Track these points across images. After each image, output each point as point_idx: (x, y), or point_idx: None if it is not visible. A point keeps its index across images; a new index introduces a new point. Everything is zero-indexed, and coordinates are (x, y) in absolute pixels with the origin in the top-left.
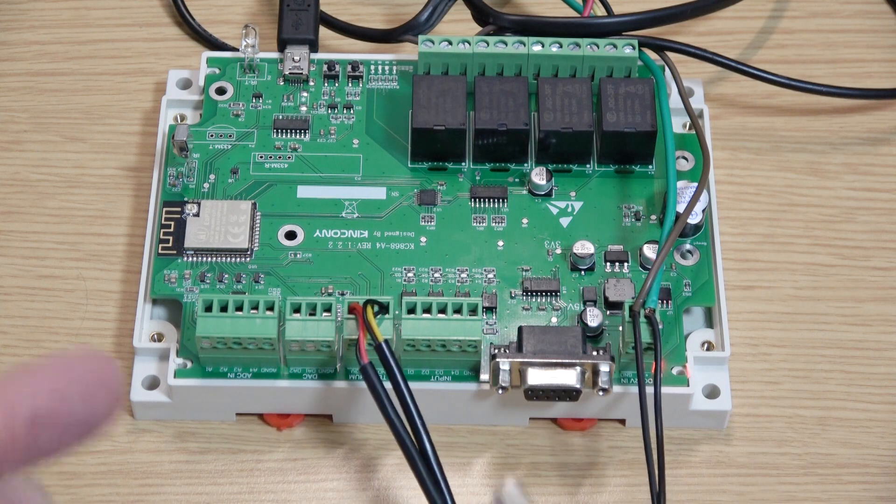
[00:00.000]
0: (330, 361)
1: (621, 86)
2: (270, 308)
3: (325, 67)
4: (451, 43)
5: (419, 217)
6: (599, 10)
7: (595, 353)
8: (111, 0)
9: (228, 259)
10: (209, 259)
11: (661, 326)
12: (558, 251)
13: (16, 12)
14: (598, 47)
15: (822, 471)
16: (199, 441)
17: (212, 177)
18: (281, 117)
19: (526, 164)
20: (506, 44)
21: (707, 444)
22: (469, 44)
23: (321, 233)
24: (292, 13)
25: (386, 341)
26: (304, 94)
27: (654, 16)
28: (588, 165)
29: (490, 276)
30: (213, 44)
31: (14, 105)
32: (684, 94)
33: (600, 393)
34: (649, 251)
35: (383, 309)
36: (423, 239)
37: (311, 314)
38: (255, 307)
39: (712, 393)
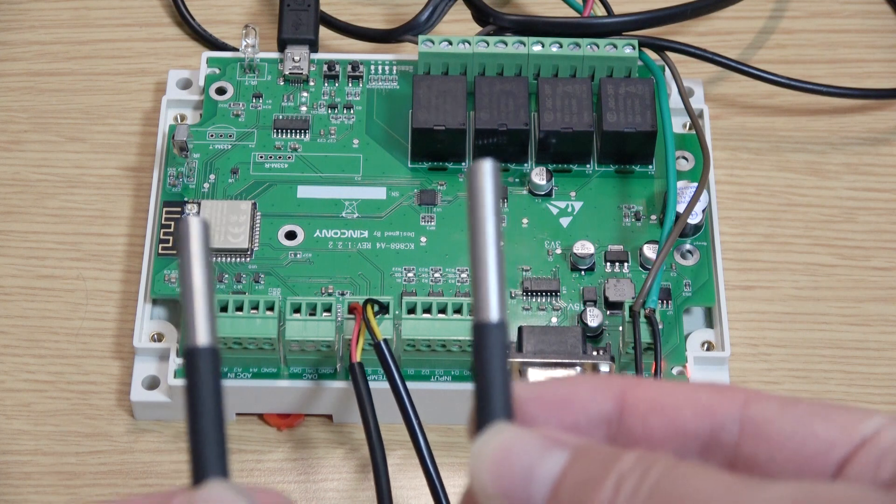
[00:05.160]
0: (330, 361)
1: (621, 86)
2: (270, 308)
3: (325, 67)
4: (451, 43)
5: (419, 217)
6: (599, 10)
7: (595, 353)
8: (111, 0)
9: (228, 259)
10: None
11: (661, 326)
12: (558, 251)
13: (16, 12)
14: (598, 47)
15: None
16: None
17: (212, 177)
18: (281, 117)
19: (526, 164)
20: (506, 44)
21: None
22: (469, 44)
23: (321, 233)
24: (292, 13)
25: (385, 340)
26: (304, 94)
27: (654, 16)
28: (588, 165)
29: None
30: (213, 44)
31: (14, 105)
32: (684, 94)
33: None
34: (649, 251)
35: (383, 309)
36: (423, 239)
37: (311, 314)
38: (255, 307)
39: None
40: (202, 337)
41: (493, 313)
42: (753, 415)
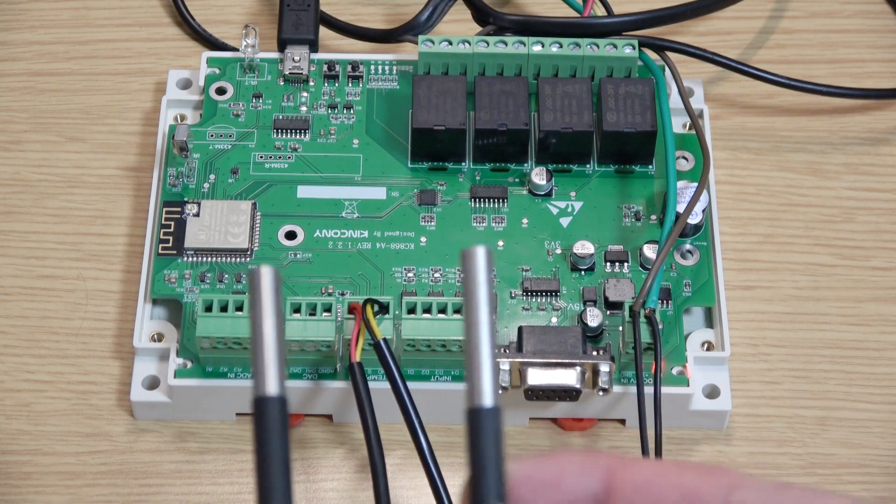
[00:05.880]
0: (330, 361)
1: (621, 86)
2: None
3: (325, 67)
4: (451, 43)
5: (419, 217)
6: (599, 10)
7: (595, 353)
8: (111, 0)
9: (228, 259)
10: (209, 259)
11: (661, 326)
12: (558, 251)
13: (16, 12)
14: (598, 47)
15: (822, 471)
16: (199, 441)
17: (212, 177)
18: (281, 117)
19: (526, 164)
20: (506, 44)
21: (707, 444)
22: (469, 44)
23: (321, 233)
24: (292, 13)
25: (385, 340)
26: (304, 94)
27: (654, 16)
28: (588, 165)
29: None
30: (213, 44)
31: (14, 105)
32: (684, 94)
33: (600, 393)
34: (649, 251)
35: (383, 309)
36: (423, 239)
37: (311, 314)
38: None
39: (712, 393)
40: (272, 386)
41: (486, 398)
42: (738, 502)
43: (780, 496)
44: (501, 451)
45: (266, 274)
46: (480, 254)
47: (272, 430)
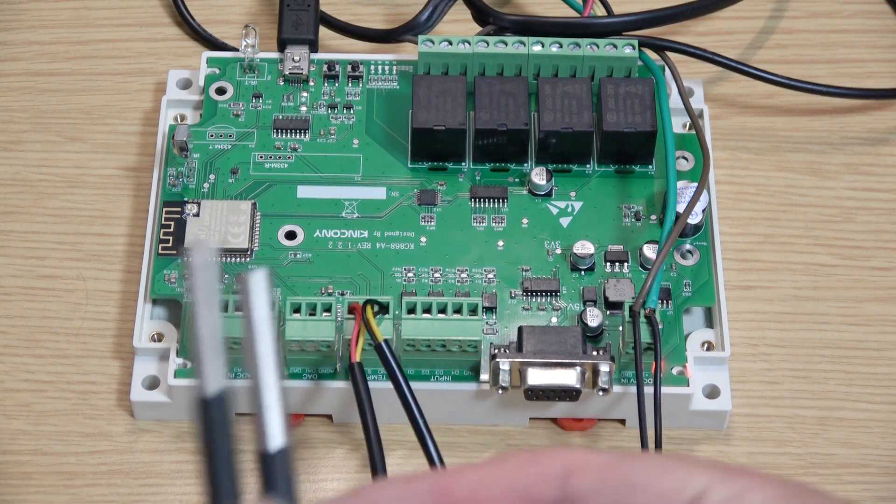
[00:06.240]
0: (330, 361)
1: (621, 86)
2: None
3: (325, 67)
4: (451, 43)
5: (419, 217)
6: (599, 10)
7: (595, 353)
8: (111, 0)
9: (228, 259)
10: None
11: (661, 326)
12: (558, 251)
13: (16, 12)
14: (598, 47)
15: (822, 471)
16: None
17: (212, 177)
18: (281, 117)
19: (526, 164)
20: (506, 44)
21: (707, 444)
22: (469, 44)
23: (321, 233)
24: (292, 13)
25: (386, 341)
26: (304, 94)
27: (654, 16)
28: (588, 165)
29: (490, 276)
30: (213, 44)
31: (14, 105)
32: (684, 94)
33: (600, 393)
34: (649, 251)
35: (383, 309)
36: (423, 239)
37: (311, 314)
38: None
39: (712, 393)
40: (212, 385)
41: (275, 440)
42: (574, 490)
43: (620, 470)
44: (296, 494)
45: (199, 255)
46: (257, 279)
47: (216, 429)
